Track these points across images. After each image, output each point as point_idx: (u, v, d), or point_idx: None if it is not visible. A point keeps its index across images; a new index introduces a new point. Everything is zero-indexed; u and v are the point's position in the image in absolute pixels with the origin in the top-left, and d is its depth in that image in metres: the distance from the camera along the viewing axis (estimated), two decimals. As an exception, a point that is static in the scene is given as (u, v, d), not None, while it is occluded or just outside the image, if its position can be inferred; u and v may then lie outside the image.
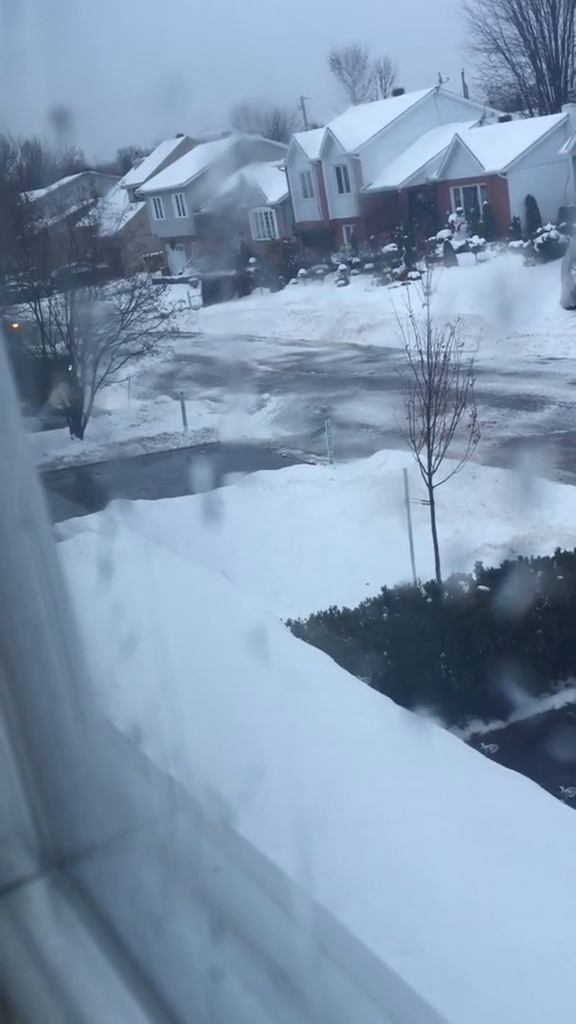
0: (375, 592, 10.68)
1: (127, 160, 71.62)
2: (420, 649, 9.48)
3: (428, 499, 12.00)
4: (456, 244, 36.11)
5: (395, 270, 36.89)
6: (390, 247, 39.28)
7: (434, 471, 12.01)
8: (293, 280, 42.76)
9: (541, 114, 45.00)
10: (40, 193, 36.92)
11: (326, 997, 0.73)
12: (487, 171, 37.14)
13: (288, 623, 9.58)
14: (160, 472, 20.38)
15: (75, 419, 23.24)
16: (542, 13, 48.24)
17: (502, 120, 42.56)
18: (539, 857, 5.33)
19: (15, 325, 23.29)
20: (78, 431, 23.26)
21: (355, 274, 39.65)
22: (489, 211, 37.16)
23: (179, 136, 59.80)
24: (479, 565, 10.84)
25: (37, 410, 21.40)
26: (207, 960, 0.77)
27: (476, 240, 35.76)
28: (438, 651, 9.65)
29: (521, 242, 33.84)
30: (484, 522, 14.16)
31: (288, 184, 48.22)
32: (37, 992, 0.81)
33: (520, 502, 14.55)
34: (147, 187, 57.09)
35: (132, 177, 62.35)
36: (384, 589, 10.62)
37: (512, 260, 33.56)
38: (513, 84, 52.21)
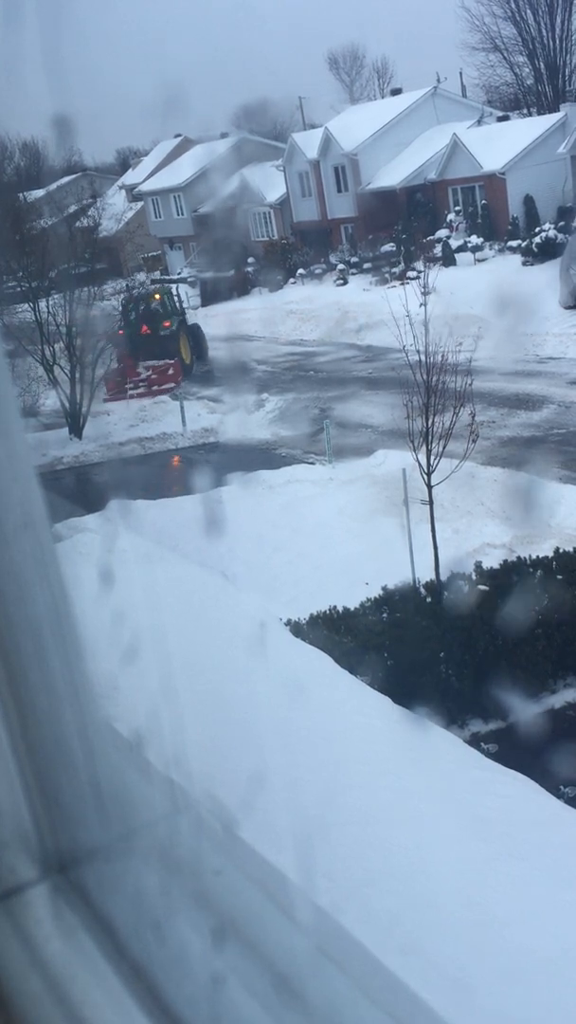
0: (374, 592, 10.68)
1: (125, 160, 71.66)
2: (420, 649, 9.47)
3: (427, 499, 11.98)
4: (454, 244, 36.09)
5: (394, 270, 36.86)
6: (388, 247, 39.26)
7: (433, 471, 12.00)
8: (292, 280, 42.74)
9: (539, 113, 44.97)
10: (39, 193, 36.92)
11: (327, 1000, 0.73)
12: (485, 171, 37.14)
13: (287, 623, 9.57)
14: (159, 472, 20.38)
15: (74, 419, 23.23)
16: (540, 12, 48.24)
17: (500, 120, 42.52)
18: (539, 856, 5.33)
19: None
20: (77, 431, 23.24)
21: (353, 274, 39.63)
22: (487, 211, 37.15)
23: (177, 136, 59.79)
24: (478, 565, 10.85)
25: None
26: (208, 964, 0.77)
27: (474, 240, 35.75)
28: (438, 651, 9.65)
29: (520, 241, 33.83)
30: (483, 522, 14.16)
31: (286, 184, 48.19)
32: (38, 997, 0.81)
33: (519, 501, 14.55)
34: (145, 187, 57.08)
35: (130, 177, 62.34)
36: (384, 589, 10.62)
37: (511, 260, 33.57)
38: (511, 83, 52.22)
